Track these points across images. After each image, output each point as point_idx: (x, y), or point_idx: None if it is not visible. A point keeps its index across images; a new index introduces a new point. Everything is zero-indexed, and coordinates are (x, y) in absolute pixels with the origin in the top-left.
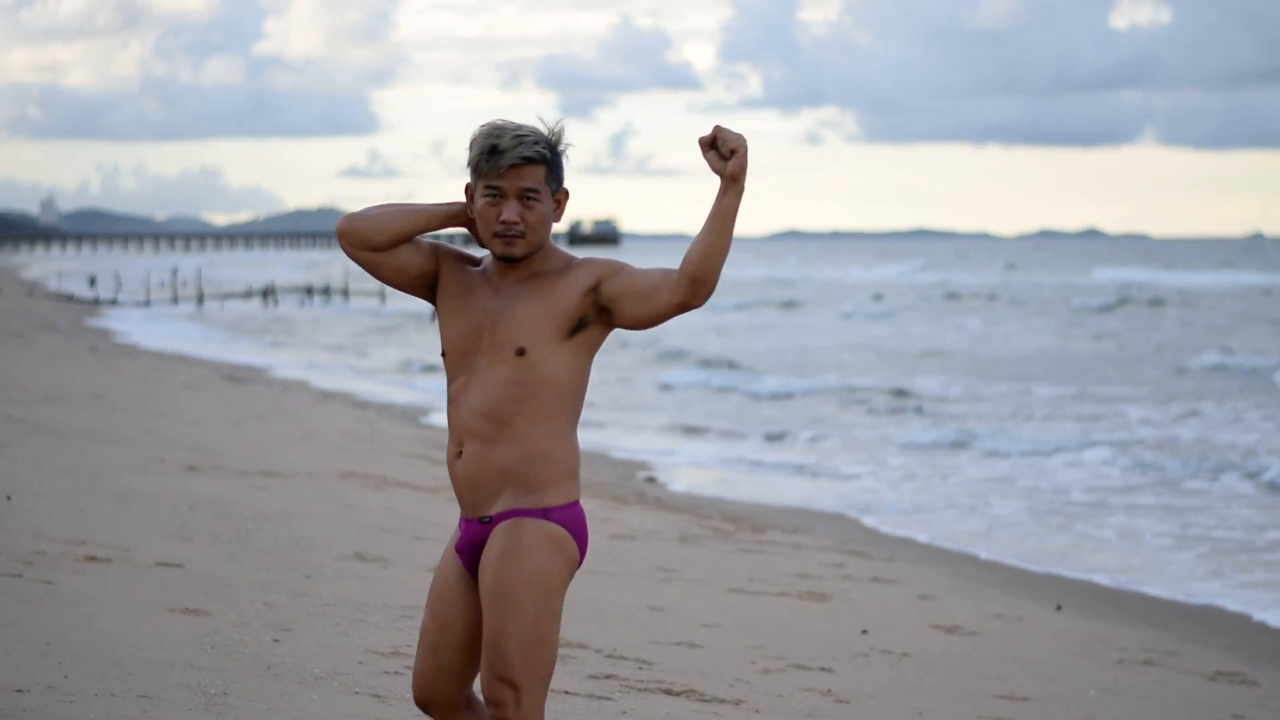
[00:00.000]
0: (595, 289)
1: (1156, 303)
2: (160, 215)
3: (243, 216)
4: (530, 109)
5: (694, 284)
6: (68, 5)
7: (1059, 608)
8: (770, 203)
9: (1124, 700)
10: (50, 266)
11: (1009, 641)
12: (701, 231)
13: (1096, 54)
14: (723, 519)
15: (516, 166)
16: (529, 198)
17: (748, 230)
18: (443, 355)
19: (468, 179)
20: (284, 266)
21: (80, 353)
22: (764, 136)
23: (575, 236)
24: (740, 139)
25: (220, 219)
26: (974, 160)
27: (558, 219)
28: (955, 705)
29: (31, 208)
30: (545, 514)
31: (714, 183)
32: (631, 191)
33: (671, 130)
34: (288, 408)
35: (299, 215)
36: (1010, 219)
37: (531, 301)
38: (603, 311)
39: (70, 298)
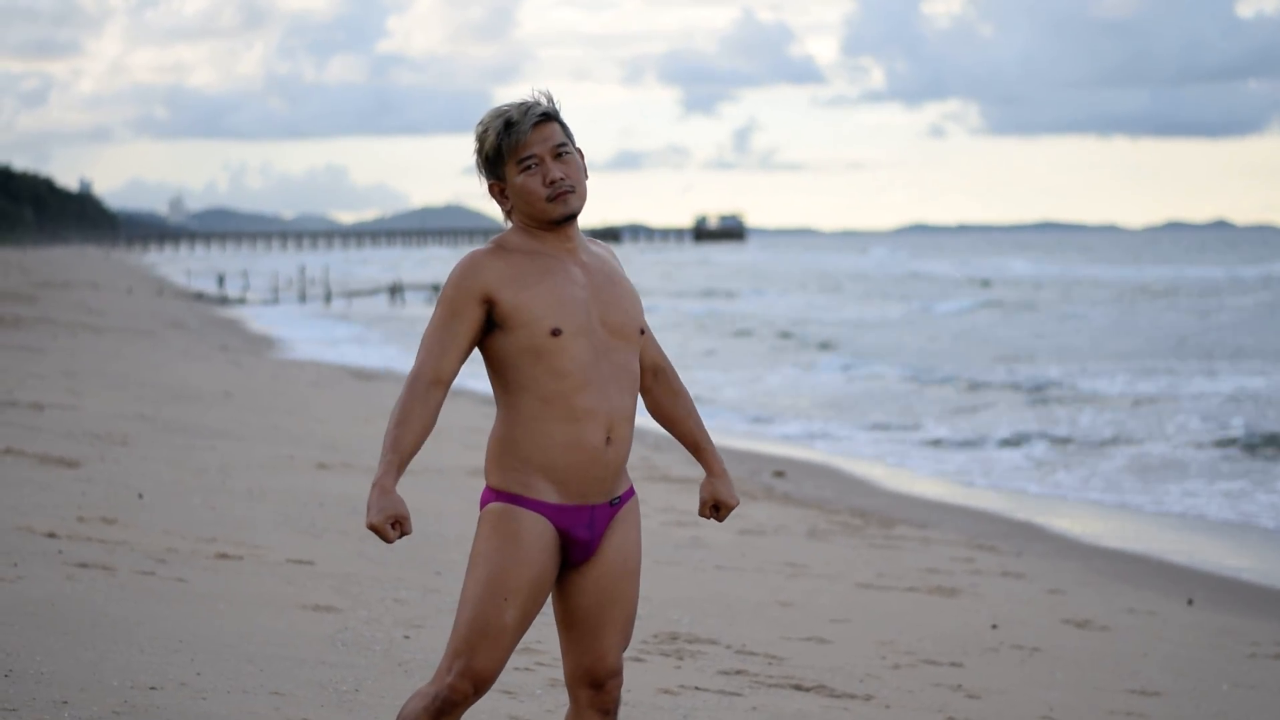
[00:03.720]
0: None
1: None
2: (288, 214)
3: (369, 214)
4: (653, 104)
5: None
6: (191, 5)
7: (1190, 601)
8: (895, 196)
9: (1257, 694)
10: (179, 265)
11: (1140, 636)
12: (697, 423)
13: (1223, 43)
14: (851, 514)
15: (539, 126)
16: (562, 153)
17: (873, 224)
18: (555, 333)
19: (483, 182)
20: (411, 264)
21: (210, 351)
22: (888, 130)
23: (701, 232)
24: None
25: (347, 217)
26: (1100, 152)
27: (586, 177)
28: (1086, 700)
29: (160, 207)
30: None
31: (836, 178)
32: (756, 186)
33: (796, 124)
34: None
35: (425, 213)
36: (1138, 211)
37: (624, 283)
38: None
39: (199, 296)
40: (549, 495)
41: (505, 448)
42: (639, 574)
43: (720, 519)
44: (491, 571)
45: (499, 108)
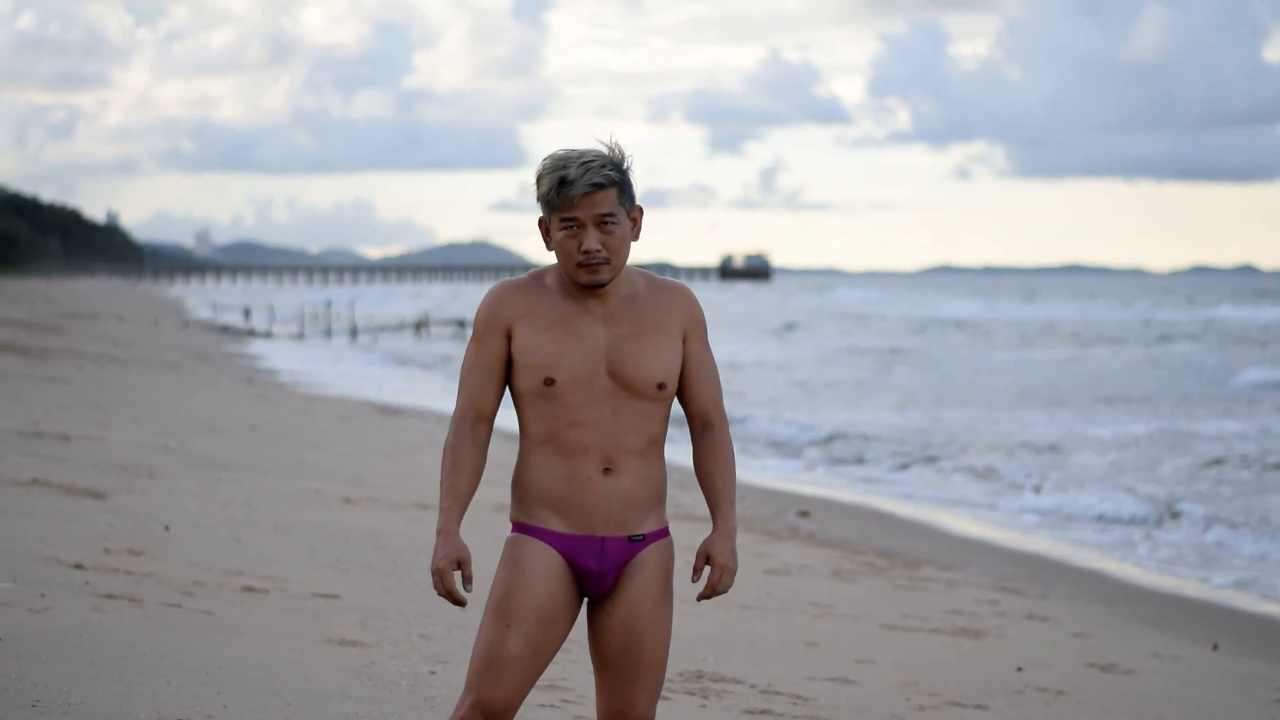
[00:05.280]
0: (684, 341)
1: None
2: (314, 248)
3: (395, 249)
4: (679, 142)
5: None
6: (218, 39)
7: (1215, 646)
8: (921, 238)
9: None
10: (205, 298)
11: (1166, 680)
12: (724, 482)
13: (1249, 88)
14: (876, 554)
15: (589, 194)
16: (606, 223)
17: (898, 265)
18: (548, 382)
19: (540, 214)
20: (437, 300)
21: (235, 384)
22: (913, 171)
23: (727, 271)
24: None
25: (373, 252)
26: (1126, 196)
27: (635, 238)
28: None
29: (187, 240)
30: (667, 531)
31: (862, 218)
32: (782, 226)
33: (821, 164)
34: (441, 440)
35: (451, 249)
36: (1163, 255)
37: (655, 336)
38: None
39: (225, 329)
40: (554, 524)
41: (515, 480)
42: (668, 620)
43: (714, 584)
44: (497, 600)
45: (565, 156)
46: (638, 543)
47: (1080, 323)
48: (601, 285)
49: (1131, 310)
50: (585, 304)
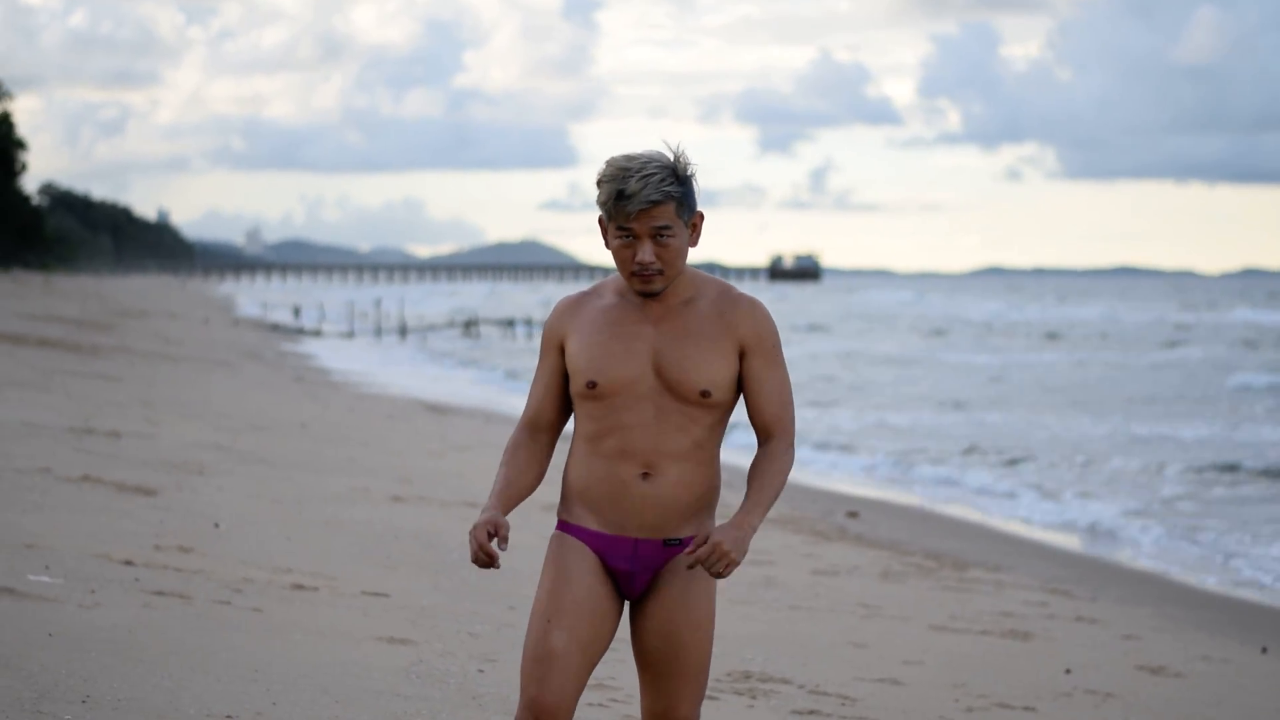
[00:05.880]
0: (742, 356)
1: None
2: (364, 246)
3: (445, 248)
4: (729, 142)
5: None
6: (269, 38)
7: (1265, 650)
8: (971, 239)
9: None
10: (255, 296)
11: (1215, 684)
12: (761, 487)
13: None
14: (924, 555)
15: (646, 210)
16: (662, 236)
17: (948, 266)
18: (590, 385)
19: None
20: (471, 298)
21: (285, 382)
22: (964, 173)
23: (776, 271)
24: (726, 563)
25: (423, 251)
26: (1176, 197)
27: (694, 244)
28: None
29: (237, 238)
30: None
31: (912, 219)
32: (832, 226)
33: (872, 165)
34: (490, 439)
35: (502, 248)
36: (1214, 257)
37: (705, 343)
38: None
39: (275, 327)
40: (589, 522)
41: (563, 479)
42: (709, 625)
43: (701, 557)
44: (540, 596)
45: (626, 166)
46: (674, 547)
47: (1097, 324)
48: (655, 294)
49: (1154, 312)
50: (640, 307)
